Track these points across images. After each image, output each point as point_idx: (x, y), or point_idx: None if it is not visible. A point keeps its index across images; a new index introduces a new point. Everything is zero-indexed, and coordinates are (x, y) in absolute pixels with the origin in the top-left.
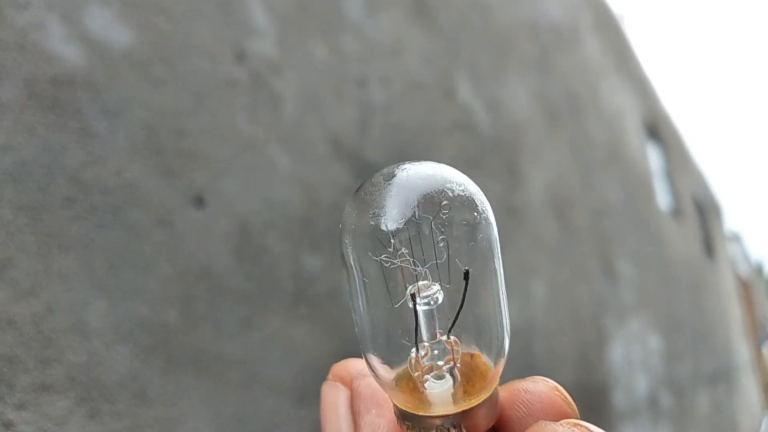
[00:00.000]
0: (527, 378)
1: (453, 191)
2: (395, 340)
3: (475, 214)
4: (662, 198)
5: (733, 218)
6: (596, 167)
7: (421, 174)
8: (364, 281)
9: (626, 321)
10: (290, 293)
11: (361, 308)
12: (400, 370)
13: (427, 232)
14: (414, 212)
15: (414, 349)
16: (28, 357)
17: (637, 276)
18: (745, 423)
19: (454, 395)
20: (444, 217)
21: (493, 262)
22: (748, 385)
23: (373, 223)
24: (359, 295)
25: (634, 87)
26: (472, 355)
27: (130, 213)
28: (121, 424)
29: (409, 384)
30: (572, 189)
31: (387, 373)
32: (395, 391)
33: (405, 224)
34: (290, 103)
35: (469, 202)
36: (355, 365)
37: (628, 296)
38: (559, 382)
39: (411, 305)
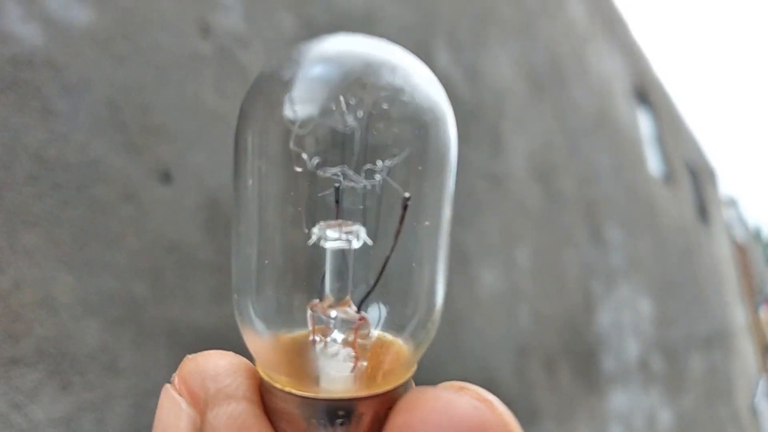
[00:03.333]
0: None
1: (405, 77)
2: (286, 287)
3: (433, 121)
4: (653, 163)
5: (731, 183)
6: (583, 134)
7: (361, 49)
8: (258, 194)
9: (615, 286)
10: None
11: (248, 236)
12: (280, 330)
13: (357, 140)
14: (344, 99)
15: (317, 301)
16: None
17: (626, 241)
18: (742, 386)
19: (357, 376)
20: (386, 116)
21: (442, 204)
22: (745, 348)
23: (286, 106)
24: (248, 217)
25: (622, 52)
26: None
27: (94, 189)
28: (93, 395)
29: (294, 350)
30: (557, 156)
31: (265, 330)
32: (271, 354)
33: (325, 115)
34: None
35: (426, 102)
36: (216, 370)
37: (617, 261)
38: (545, 346)
39: (317, 240)
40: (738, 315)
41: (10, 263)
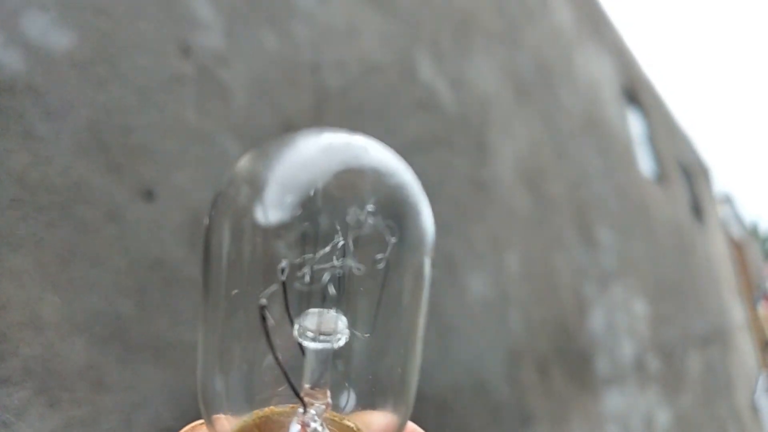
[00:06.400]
0: None
1: (396, 189)
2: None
3: (420, 240)
4: (645, 164)
5: (727, 180)
6: (572, 137)
7: (343, 147)
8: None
9: (608, 287)
10: None
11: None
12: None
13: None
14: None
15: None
16: None
17: (618, 242)
18: (741, 383)
19: None
20: (378, 227)
21: (418, 313)
22: (744, 345)
23: (262, 211)
24: (218, 310)
25: (611, 54)
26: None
27: (78, 210)
28: (81, 411)
29: None
30: (546, 160)
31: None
32: None
33: (307, 218)
34: (240, 93)
35: (414, 214)
36: None
37: (610, 263)
38: (537, 349)
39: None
40: (736, 312)
41: None
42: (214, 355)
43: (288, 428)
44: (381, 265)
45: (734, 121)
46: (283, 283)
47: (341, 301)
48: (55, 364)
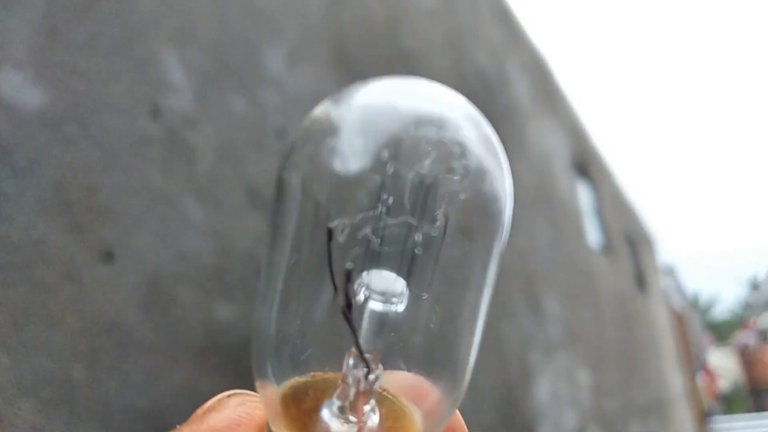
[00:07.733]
0: None
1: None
2: (308, 344)
3: (497, 211)
4: (592, 235)
5: (670, 251)
6: (523, 208)
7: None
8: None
9: (553, 357)
10: (200, 343)
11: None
12: (292, 384)
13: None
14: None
15: (349, 361)
16: None
17: (564, 313)
18: None
19: None
20: (459, 195)
21: (483, 282)
22: (683, 415)
23: (334, 159)
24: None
25: (563, 128)
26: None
27: (36, 270)
28: None
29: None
30: None
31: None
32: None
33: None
34: (206, 156)
35: (495, 195)
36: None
37: (556, 333)
38: (482, 419)
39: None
40: (676, 382)
41: None
42: (272, 307)
43: (342, 392)
44: (438, 224)
45: (679, 192)
46: (329, 240)
47: (401, 263)
48: None
